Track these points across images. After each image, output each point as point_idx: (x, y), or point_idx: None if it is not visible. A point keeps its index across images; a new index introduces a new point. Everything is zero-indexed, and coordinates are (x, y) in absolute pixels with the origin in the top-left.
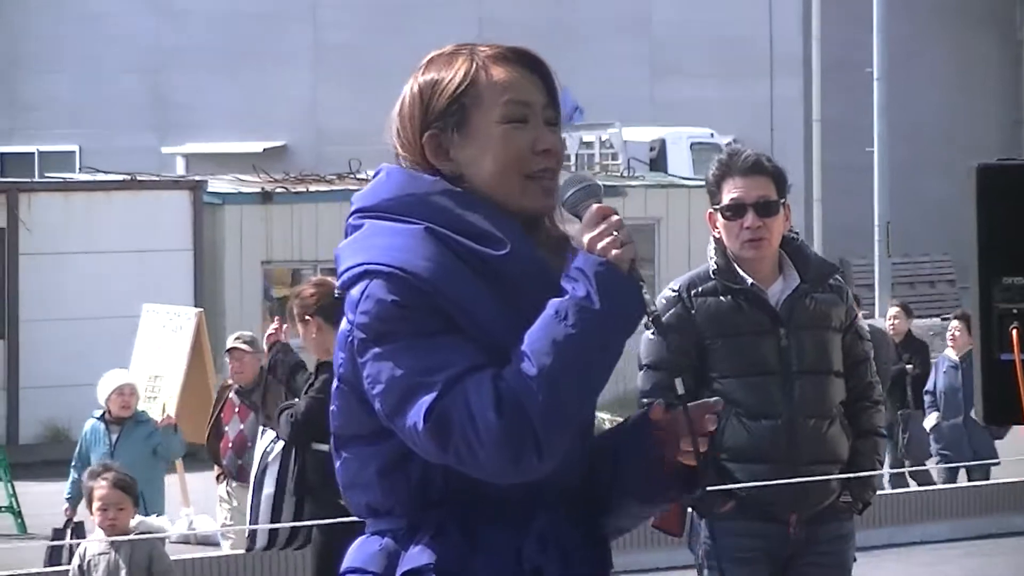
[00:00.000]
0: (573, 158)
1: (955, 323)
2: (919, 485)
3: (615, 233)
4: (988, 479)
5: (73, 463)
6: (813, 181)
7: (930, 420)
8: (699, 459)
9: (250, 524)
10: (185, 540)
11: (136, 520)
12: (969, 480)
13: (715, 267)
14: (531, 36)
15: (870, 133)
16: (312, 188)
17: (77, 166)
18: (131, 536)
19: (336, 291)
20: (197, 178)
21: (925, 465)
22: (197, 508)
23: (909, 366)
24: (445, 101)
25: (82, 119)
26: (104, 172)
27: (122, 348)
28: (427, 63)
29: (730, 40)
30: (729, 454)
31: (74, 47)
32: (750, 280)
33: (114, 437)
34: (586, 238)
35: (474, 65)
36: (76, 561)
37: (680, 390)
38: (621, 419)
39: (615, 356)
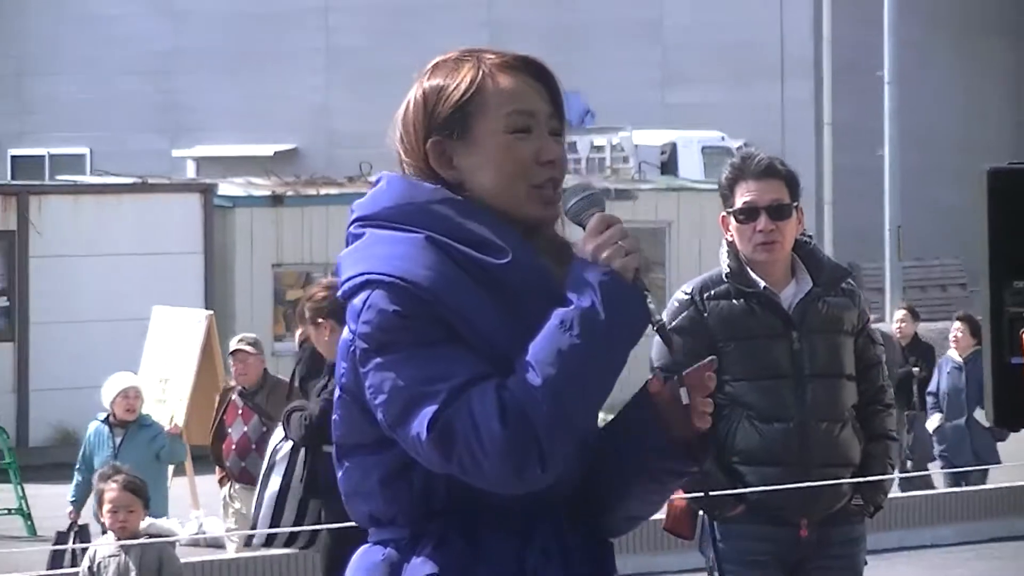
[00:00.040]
0: (584, 162)
1: (957, 324)
2: (924, 487)
3: (619, 242)
4: (985, 482)
5: (77, 466)
6: (824, 185)
7: (933, 421)
8: (702, 427)
9: (253, 519)
10: (194, 542)
11: (146, 522)
12: (966, 483)
13: (728, 270)
14: (541, 40)
15: (881, 137)
16: (322, 191)
17: (87, 169)
18: (141, 539)
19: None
20: (208, 181)
21: (927, 469)
22: (207, 510)
23: (915, 369)
24: (450, 108)
25: (93, 122)
26: (114, 175)
27: (132, 351)
28: (432, 68)
29: (741, 43)
30: (741, 457)
31: (86, 50)
32: (763, 283)
33: (118, 440)
34: (590, 247)
35: (480, 73)
36: (86, 563)
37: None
38: None
39: (620, 366)
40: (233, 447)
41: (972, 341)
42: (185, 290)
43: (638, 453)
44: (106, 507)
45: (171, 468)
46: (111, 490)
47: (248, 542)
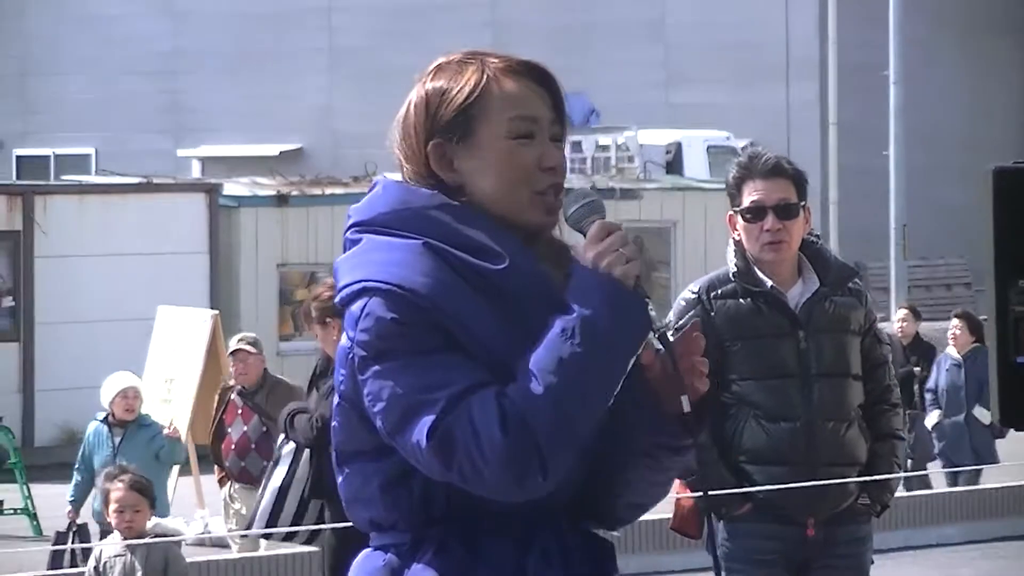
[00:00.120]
0: (589, 161)
1: (956, 321)
2: (922, 487)
3: (620, 249)
4: (984, 481)
5: (76, 466)
6: (829, 184)
7: (932, 418)
8: (701, 388)
9: (253, 511)
10: (200, 542)
11: (152, 522)
12: (967, 482)
13: (735, 269)
14: (545, 40)
15: (886, 136)
16: (328, 191)
17: (93, 169)
18: (147, 538)
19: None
20: (213, 181)
21: (926, 468)
22: (212, 510)
23: (917, 369)
24: (452, 111)
25: (98, 122)
26: (120, 175)
27: (137, 351)
28: (435, 70)
29: (746, 43)
30: (747, 456)
31: (91, 50)
32: (769, 283)
33: (117, 440)
34: (591, 254)
35: (484, 77)
36: (92, 563)
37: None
38: None
39: (621, 373)
40: (233, 447)
41: (970, 338)
42: (190, 290)
43: (632, 432)
44: (112, 507)
45: (176, 468)
46: (117, 490)
47: (248, 527)
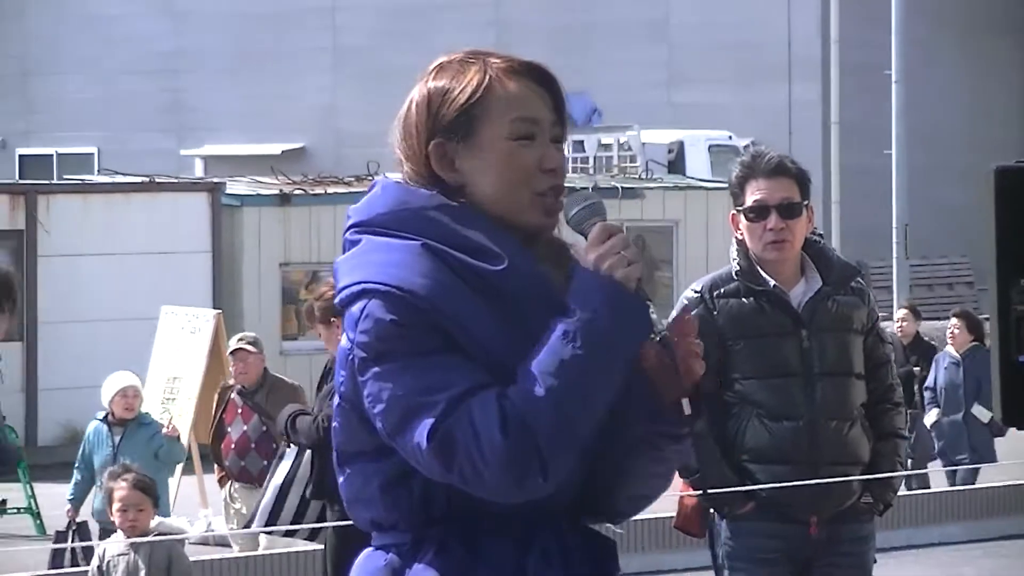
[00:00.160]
0: (592, 161)
1: (954, 320)
2: (920, 486)
3: (621, 252)
4: (981, 480)
5: (76, 464)
6: (831, 184)
7: (930, 416)
8: (698, 370)
9: (256, 505)
10: (203, 541)
11: (156, 521)
12: (959, 480)
13: (738, 268)
14: (548, 40)
15: (888, 136)
16: (330, 190)
17: (95, 168)
18: (151, 537)
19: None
20: (215, 180)
21: (927, 467)
22: (215, 509)
23: (916, 368)
24: (455, 111)
25: (100, 121)
26: (122, 174)
27: (140, 350)
28: (436, 69)
29: (748, 43)
30: (750, 455)
31: (93, 50)
32: (772, 282)
33: (117, 439)
34: (592, 257)
35: (487, 77)
36: (95, 562)
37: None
38: None
39: (622, 376)
40: (232, 446)
41: (969, 337)
42: (193, 289)
43: (633, 423)
44: (116, 506)
45: (180, 467)
46: (121, 488)
47: (247, 524)
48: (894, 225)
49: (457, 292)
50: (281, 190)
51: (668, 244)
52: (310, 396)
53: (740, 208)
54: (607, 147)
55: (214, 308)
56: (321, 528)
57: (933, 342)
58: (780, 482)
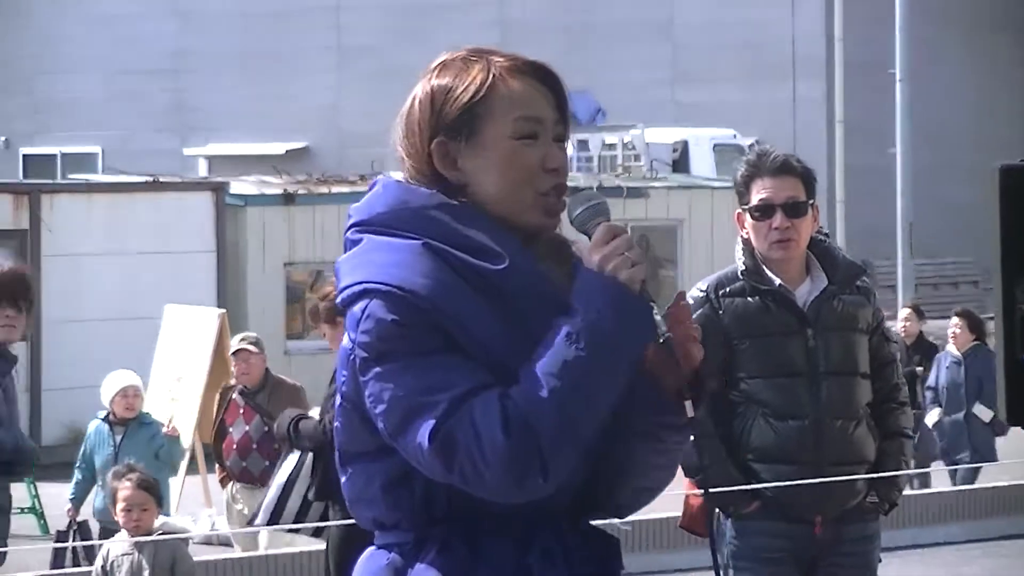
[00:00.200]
0: (596, 160)
1: (956, 319)
2: (922, 486)
3: (625, 253)
4: (981, 480)
5: (77, 464)
6: (836, 182)
7: (932, 416)
8: (698, 354)
9: (260, 501)
10: (207, 541)
11: (160, 521)
12: (959, 479)
13: (743, 268)
14: (552, 39)
15: (893, 134)
16: (334, 190)
17: (99, 168)
18: (155, 536)
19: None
20: (219, 180)
21: (929, 467)
22: (219, 509)
23: (919, 368)
24: (458, 110)
25: (104, 121)
26: (126, 174)
27: (144, 350)
28: (439, 67)
29: (752, 42)
30: (755, 454)
31: (97, 49)
32: (778, 281)
33: (118, 438)
34: (596, 257)
35: (490, 75)
36: (99, 562)
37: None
38: None
39: (625, 377)
40: (234, 447)
41: (971, 336)
42: (197, 289)
43: (633, 415)
44: (120, 505)
45: (183, 466)
46: (125, 488)
47: (250, 521)
48: (899, 224)
49: (458, 292)
50: (285, 189)
51: (673, 243)
52: (312, 397)
53: (745, 207)
54: (611, 146)
55: (218, 308)
56: (325, 525)
57: (938, 342)
58: (785, 481)
